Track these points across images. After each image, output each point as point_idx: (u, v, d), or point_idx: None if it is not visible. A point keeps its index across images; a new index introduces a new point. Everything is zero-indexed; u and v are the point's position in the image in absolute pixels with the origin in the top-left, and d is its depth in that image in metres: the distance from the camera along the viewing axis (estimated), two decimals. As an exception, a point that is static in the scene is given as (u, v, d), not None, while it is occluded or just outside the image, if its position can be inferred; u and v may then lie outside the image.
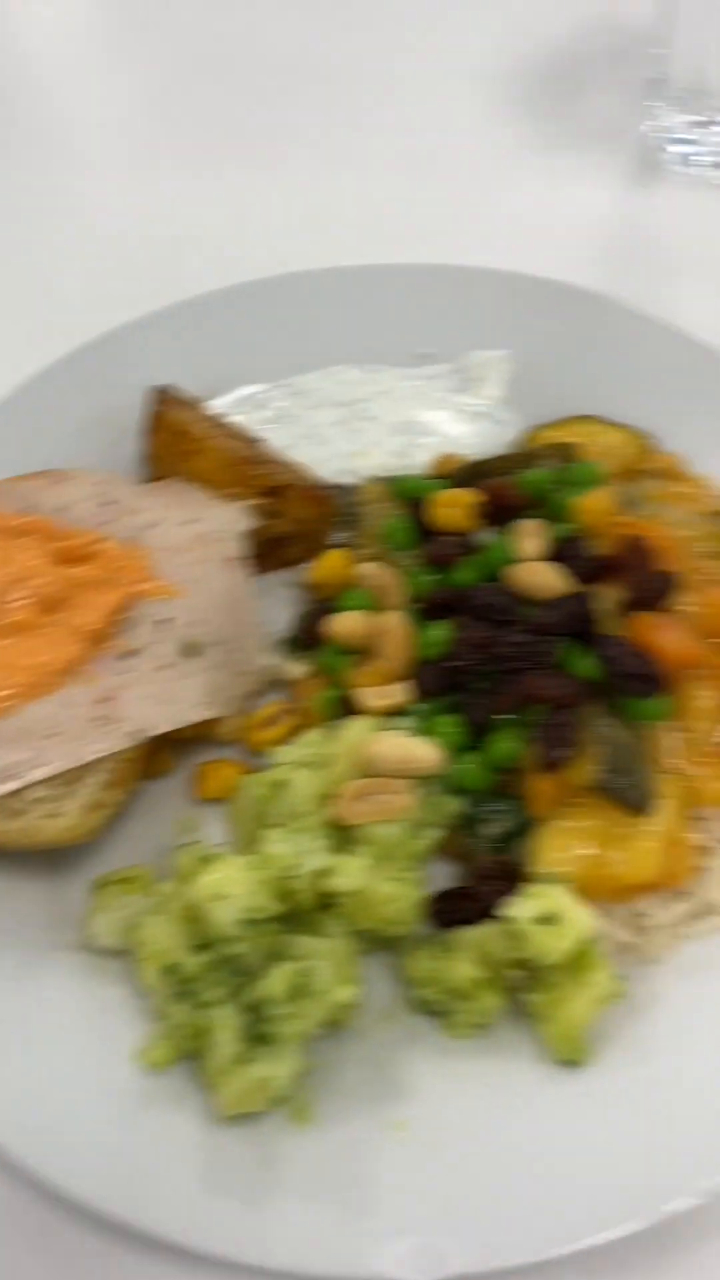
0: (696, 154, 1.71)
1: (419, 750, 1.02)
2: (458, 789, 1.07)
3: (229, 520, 1.20)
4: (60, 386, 1.36)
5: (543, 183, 1.74)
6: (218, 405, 1.39)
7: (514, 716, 1.07)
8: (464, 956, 0.99)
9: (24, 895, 1.07)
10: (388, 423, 1.39)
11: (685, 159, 1.72)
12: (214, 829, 1.13)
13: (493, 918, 1.01)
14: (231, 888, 0.96)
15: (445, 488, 1.23)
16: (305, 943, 0.98)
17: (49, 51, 2.01)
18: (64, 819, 1.02)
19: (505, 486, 1.19)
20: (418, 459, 1.36)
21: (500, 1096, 0.96)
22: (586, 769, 1.01)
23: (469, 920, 1.03)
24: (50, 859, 1.09)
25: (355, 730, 1.05)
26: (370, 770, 1.02)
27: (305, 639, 1.19)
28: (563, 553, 1.13)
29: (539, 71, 1.89)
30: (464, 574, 1.15)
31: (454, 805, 1.05)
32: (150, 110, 1.88)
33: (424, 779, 1.03)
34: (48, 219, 1.72)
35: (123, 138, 1.85)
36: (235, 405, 1.40)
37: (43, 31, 2.04)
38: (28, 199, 1.76)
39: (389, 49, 1.94)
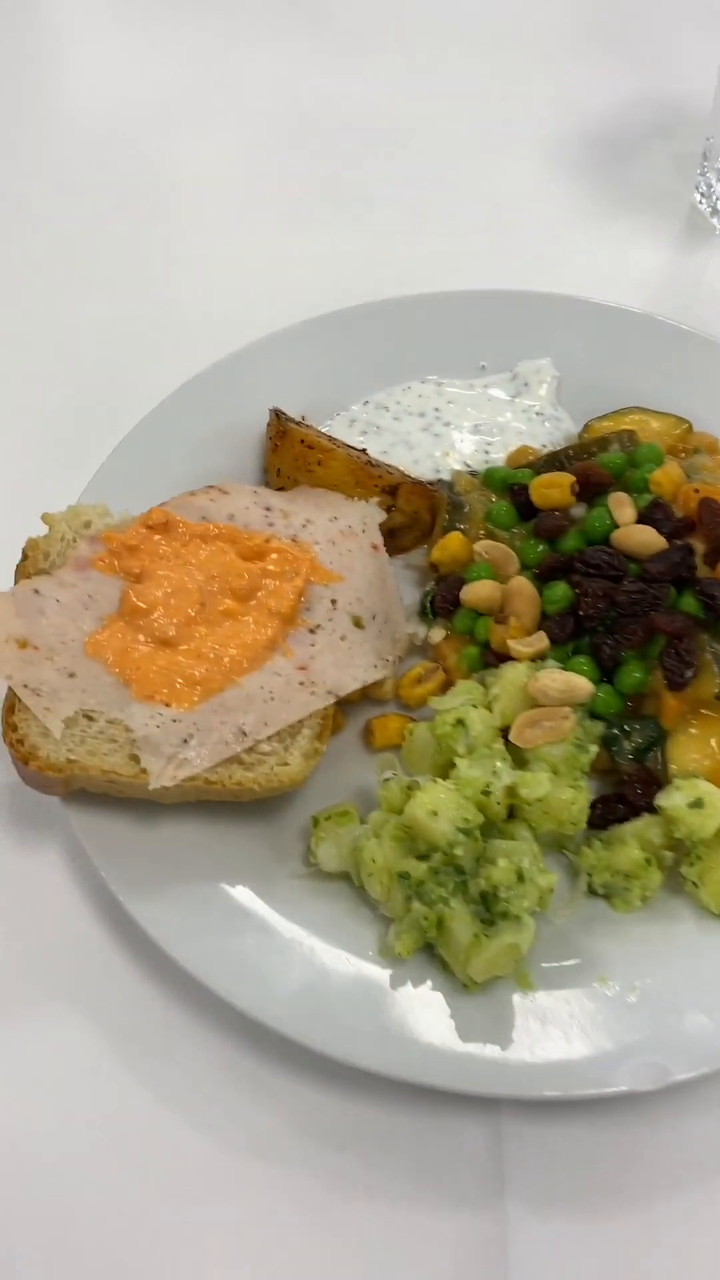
0: None
1: (577, 681, 1.25)
2: (595, 715, 1.31)
3: (365, 515, 1.42)
4: (184, 411, 1.56)
5: (599, 243, 1.96)
6: (314, 423, 1.61)
7: (635, 651, 1.32)
8: (631, 843, 1.23)
9: (249, 837, 1.27)
10: (463, 426, 1.63)
11: None
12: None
13: (640, 815, 1.26)
14: (443, 805, 1.18)
15: (532, 475, 1.47)
16: (504, 845, 1.20)
17: (161, 116, 2.20)
18: (291, 766, 1.22)
19: (592, 468, 1.44)
20: (493, 454, 1.61)
21: (675, 947, 1.20)
22: (706, 684, 1.26)
23: (623, 819, 1.27)
24: (262, 807, 1.29)
25: (514, 673, 1.28)
26: (536, 701, 1.25)
27: (441, 608, 1.41)
28: (650, 516, 1.39)
29: (597, 142, 2.13)
30: (570, 541, 1.39)
31: (599, 727, 1.29)
32: (250, 167, 2.10)
33: (580, 705, 1.26)
34: (157, 266, 1.95)
35: (224, 191, 2.07)
36: (329, 422, 1.62)
37: (151, 97, 2.23)
38: (142, 247, 1.97)
39: (461, 118, 2.17)
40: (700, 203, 2.00)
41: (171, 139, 2.17)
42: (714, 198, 1.97)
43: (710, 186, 1.97)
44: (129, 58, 2.33)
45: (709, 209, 1.98)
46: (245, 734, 1.21)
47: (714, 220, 1.98)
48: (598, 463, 1.46)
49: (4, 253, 1.96)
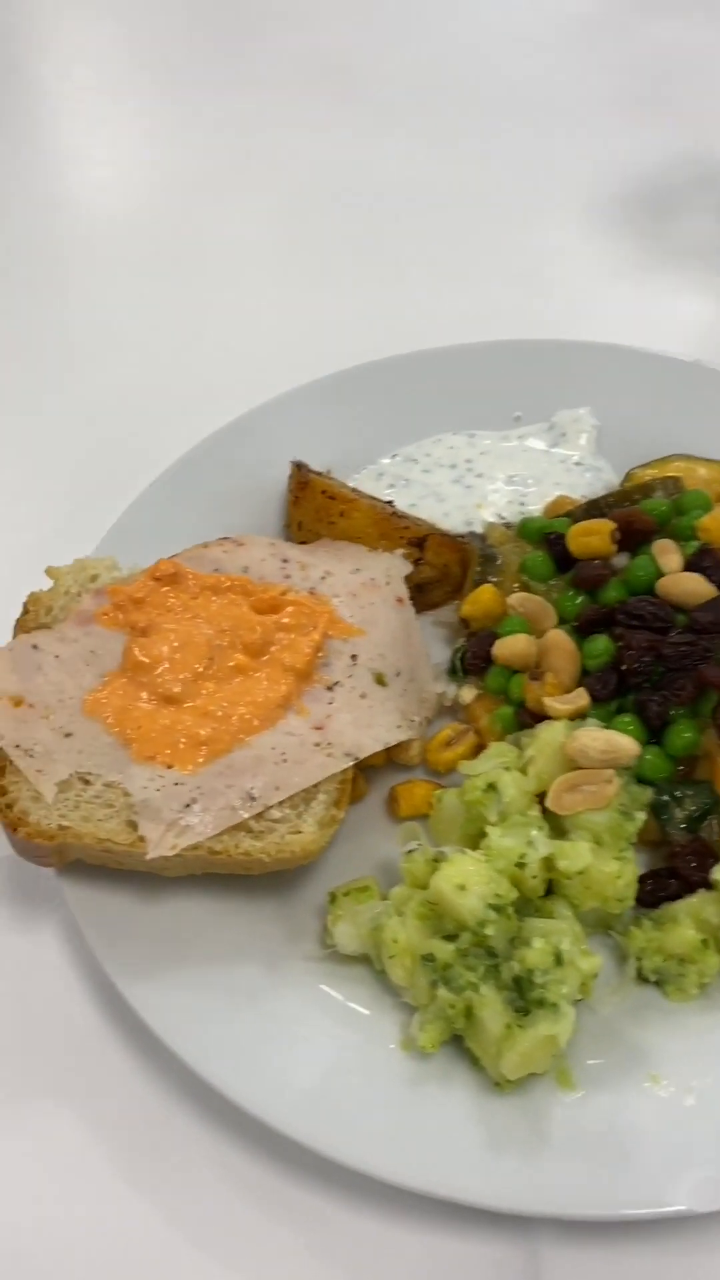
0: None
1: (620, 741, 1.13)
2: (643, 781, 1.19)
3: (390, 567, 1.33)
4: (205, 466, 1.49)
5: (641, 297, 1.91)
6: (340, 477, 1.53)
7: (686, 709, 1.20)
8: (685, 923, 1.10)
9: (260, 915, 1.16)
10: (497, 478, 1.55)
11: None
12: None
13: (695, 891, 1.13)
14: (471, 879, 1.06)
15: (569, 525, 1.37)
16: (541, 924, 1.08)
17: (192, 183, 2.21)
18: (305, 834, 1.12)
19: (634, 514, 1.34)
20: (529, 506, 1.52)
21: (738, 1043, 1.06)
22: (765, 744, 1.14)
23: (674, 896, 1.14)
24: (276, 882, 1.18)
25: (551, 732, 1.17)
26: (576, 764, 1.13)
27: (472, 665, 1.31)
28: (697, 564, 1.28)
29: (636, 199, 2.08)
30: (612, 592, 1.29)
31: (648, 793, 1.17)
32: (279, 233, 2.09)
33: (624, 768, 1.14)
34: (185, 327, 1.93)
35: (253, 256, 2.05)
36: (356, 476, 1.55)
37: (185, 164, 2.25)
38: (174, 309, 1.96)
39: (496, 181, 2.15)
40: (744, 252, 1.93)
41: (201, 206, 2.17)
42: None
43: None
44: (164, 127, 2.35)
45: (753, 258, 1.91)
46: (254, 799, 1.11)
47: (759, 269, 1.90)
48: (641, 509, 1.36)
49: (31, 314, 1.95)
